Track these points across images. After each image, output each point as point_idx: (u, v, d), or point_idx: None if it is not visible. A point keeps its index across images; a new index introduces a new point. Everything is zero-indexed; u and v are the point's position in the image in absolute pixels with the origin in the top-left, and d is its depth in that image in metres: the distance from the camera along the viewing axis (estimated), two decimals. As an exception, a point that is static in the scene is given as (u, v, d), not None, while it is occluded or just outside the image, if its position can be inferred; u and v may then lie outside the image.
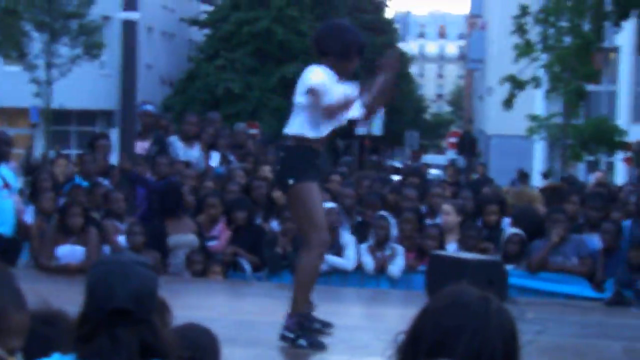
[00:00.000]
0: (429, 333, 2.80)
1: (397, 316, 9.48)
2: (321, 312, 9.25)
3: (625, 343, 8.62)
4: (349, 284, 11.34)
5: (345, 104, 7.48)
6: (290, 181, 7.50)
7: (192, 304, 8.50)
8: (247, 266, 11.48)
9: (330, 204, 11.21)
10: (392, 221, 11.67)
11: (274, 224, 12.02)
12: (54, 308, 3.63)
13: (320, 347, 7.49)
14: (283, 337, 7.49)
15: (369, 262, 11.39)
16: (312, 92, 7.44)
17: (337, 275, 11.37)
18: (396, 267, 11.37)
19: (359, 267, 11.40)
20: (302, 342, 7.42)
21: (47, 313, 3.55)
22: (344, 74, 7.66)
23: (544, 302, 10.50)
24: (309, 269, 7.53)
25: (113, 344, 3.08)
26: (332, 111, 7.45)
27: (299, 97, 7.56)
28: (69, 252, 10.96)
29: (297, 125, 7.55)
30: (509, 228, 11.86)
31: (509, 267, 10.49)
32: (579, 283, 11.19)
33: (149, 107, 14.23)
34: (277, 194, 11.92)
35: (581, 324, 9.44)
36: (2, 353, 2.37)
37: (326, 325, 7.96)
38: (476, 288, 2.92)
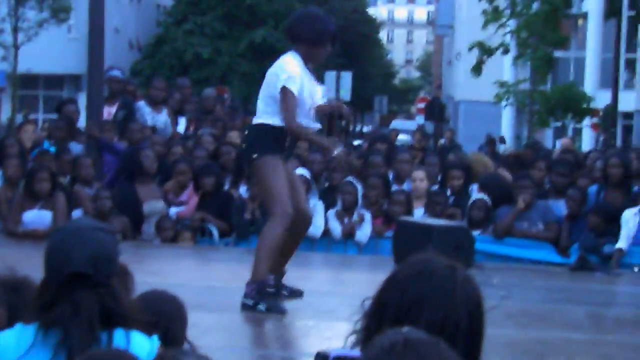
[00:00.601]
0: (394, 301, 2.82)
1: (364, 281, 9.54)
2: (289, 277, 9.30)
3: (589, 308, 8.73)
4: (316, 249, 11.38)
5: (307, 137, 7.86)
6: (254, 155, 7.66)
7: (160, 270, 8.52)
8: (215, 232, 11.50)
9: (299, 171, 11.23)
10: (359, 187, 11.70)
11: (242, 190, 12.03)
12: (20, 275, 3.64)
13: (279, 311, 7.59)
14: (243, 305, 7.59)
15: (336, 228, 11.43)
16: (286, 93, 7.55)
17: (305, 240, 11.34)
18: (363, 232, 11.42)
19: (327, 233, 11.43)
20: (261, 307, 7.52)
21: (13, 280, 3.56)
22: (315, 61, 7.88)
23: (510, 267, 10.60)
24: (270, 240, 7.62)
25: (73, 309, 3.08)
26: (295, 132, 7.67)
27: (272, 89, 7.63)
28: (36, 217, 10.92)
29: (267, 116, 7.68)
30: (475, 194, 11.92)
31: (474, 233, 10.56)
32: (544, 248, 11.28)
33: (116, 73, 14.16)
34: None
35: (546, 289, 9.54)
36: None
37: (296, 292, 8.02)
38: (443, 257, 2.95)
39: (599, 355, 7.02)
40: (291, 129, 7.63)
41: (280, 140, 7.66)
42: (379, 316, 2.85)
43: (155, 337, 3.19)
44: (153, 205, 11.32)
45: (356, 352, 2.55)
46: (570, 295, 9.20)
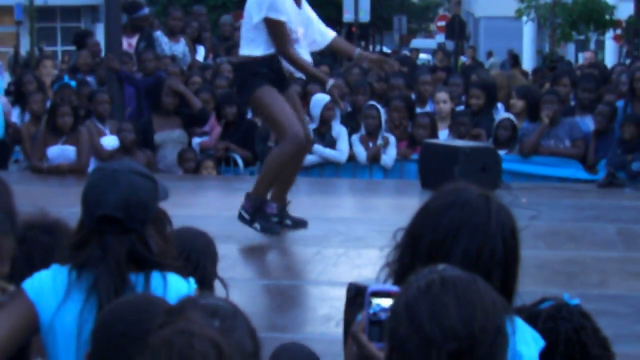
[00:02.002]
0: (428, 232, 2.78)
1: (391, 206, 9.51)
2: (315, 204, 9.29)
3: (620, 225, 8.66)
4: (342, 175, 11.33)
5: (302, 66, 7.61)
6: (247, 96, 7.65)
7: (185, 202, 8.49)
8: (239, 161, 11.46)
9: (325, 97, 11.16)
10: (382, 110, 11.61)
11: (265, 117, 11.94)
12: (52, 216, 3.60)
13: (273, 232, 7.65)
14: (240, 216, 7.64)
15: (361, 153, 11.36)
16: (272, 22, 7.44)
17: (330, 167, 11.36)
18: (388, 156, 11.35)
19: (352, 158, 11.38)
20: (257, 225, 7.60)
21: (47, 222, 3.52)
22: None
23: (537, 186, 10.51)
24: (277, 160, 7.63)
25: (101, 252, 3.06)
26: (289, 58, 7.55)
27: (255, 18, 7.51)
28: (60, 152, 10.90)
29: (252, 46, 7.58)
30: (500, 113, 11.81)
31: (501, 153, 10.48)
32: (571, 166, 11.18)
33: (145, 11, 13.94)
34: None
35: (575, 207, 9.47)
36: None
37: (300, 222, 7.99)
38: (476, 185, 2.90)
39: (632, 273, 6.97)
40: (285, 55, 7.52)
41: (270, 70, 7.57)
42: (413, 248, 2.81)
43: (192, 280, 3.15)
44: (165, 134, 11.25)
45: (393, 287, 2.50)
46: (599, 213, 9.12)
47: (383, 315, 2.47)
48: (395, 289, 2.44)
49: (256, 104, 7.76)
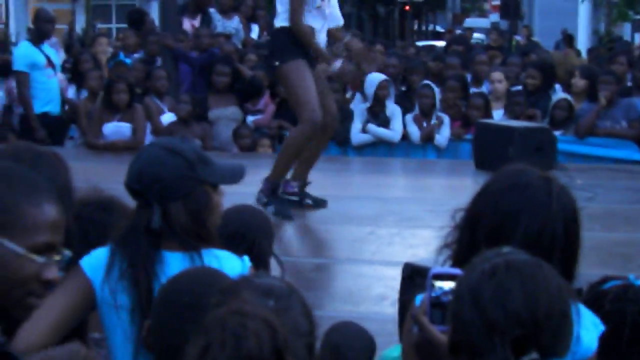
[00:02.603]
0: (488, 215, 2.75)
1: (444, 187, 9.47)
2: (369, 184, 9.28)
3: (677, 207, 8.57)
4: (395, 154, 11.30)
5: (308, 41, 7.52)
6: (276, 63, 7.60)
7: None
8: (293, 139, 11.45)
9: (380, 76, 11.13)
10: (437, 90, 11.55)
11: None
12: (107, 194, 3.62)
13: (287, 217, 7.60)
14: (258, 199, 7.61)
15: (415, 132, 11.32)
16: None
17: (384, 146, 11.33)
18: (442, 136, 11.29)
19: (405, 138, 11.34)
20: (270, 208, 7.53)
21: (102, 199, 3.54)
22: None
23: (593, 167, 10.40)
24: (294, 144, 7.64)
25: (131, 224, 3.13)
26: (296, 31, 7.50)
27: None
28: (116, 129, 10.97)
29: (285, 16, 7.55)
30: (558, 93, 11.71)
31: (556, 133, 10.38)
32: (627, 147, 11.06)
33: None
34: None
35: (631, 189, 9.36)
36: (19, 250, 2.33)
37: (320, 202, 7.98)
38: (537, 168, 2.86)
39: (689, 255, 6.89)
40: (295, 24, 7.49)
41: (300, 43, 7.53)
42: (472, 229, 2.79)
43: (246, 259, 3.15)
44: (219, 111, 11.28)
45: (456, 269, 2.48)
46: (656, 195, 9.03)
47: (445, 298, 2.45)
48: (457, 271, 2.42)
49: (284, 75, 7.65)
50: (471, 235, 2.79)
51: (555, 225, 2.73)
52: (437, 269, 2.52)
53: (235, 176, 3.26)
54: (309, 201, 7.94)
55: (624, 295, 2.92)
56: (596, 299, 2.86)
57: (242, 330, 1.95)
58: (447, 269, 2.54)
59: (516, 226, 2.70)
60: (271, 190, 7.63)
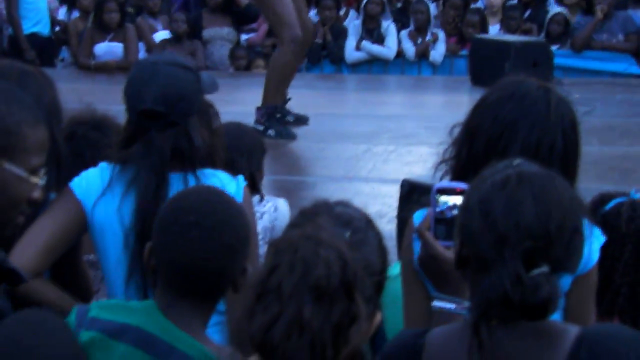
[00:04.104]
0: (486, 126, 2.68)
1: (440, 103, 9.42)
2: (364, 101, 9.22)
3: (675, 120, 8.52)
4: (390, 71, 11.21)
5: None
6: None
7: (236, 99, 8.43)
8: (286, 57, 11.36)
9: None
10: (432, 5, 11.43)
11: (312, 14, 11.80)
12: (101, 113, 3.55)
13: (289, 136, 7.56)
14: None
15: (409, 49, 11.21)
16: None
17: (379, 63, 11.24)
18: (437, 52, 11.20)
19: (400, 55, 11.24)
20: (271, 132, 7.47)
21: (95, 118, 3.46)
22: None
23: (590, 81, 10.33)
24: (279, 65, 7.57)
25: (145, 147, 2.98)
26: None
27: None
28: (107, 49, 10.89)
29: None
30: (553, 7, 11.59)
31: (553, 48, 10.29)
32: (624, 60, 10.99)
33: None
34: None
35: (628, 103, 9.31)
36: (21, 172, 2.29)
37: (301, 118, 7.92)
38: (535, 78, 2.80)
39: (689, 169, 6.86)
40: None
41: None
42: (470, 142, 2.72)
43: (241, 177, 3.08)
44: (214, 31, 11.18)
45: (460, 183, 2.42)
46: (654, 108, 8.98)
47: (449, 213, 2.40)
48: (463, 185, 2.36)
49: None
50: (469, 149, 2.73)
51: (553, 136, 2.67)
52: (442, 184, 2.46)
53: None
54: (290, 118, 7.87)
55: (634, 213, 2.88)
56: (605, 221, 2.82)
57: (314, 257, 1.90)
58: (452, 183, 2.47)
59: (514, 137, 2.65)
60: (267, 115, 7.56)
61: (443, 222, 2.42)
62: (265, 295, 1.88)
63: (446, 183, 2.48)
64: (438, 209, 2.43)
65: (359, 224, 2.21)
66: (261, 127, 7.50)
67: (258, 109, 7.61)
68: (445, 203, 2.42)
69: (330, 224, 2.10)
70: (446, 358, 2.08)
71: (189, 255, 2.34)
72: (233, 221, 2.39)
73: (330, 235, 1.96)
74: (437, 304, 2.32)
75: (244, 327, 1.90)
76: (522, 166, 2.12)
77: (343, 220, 2.20)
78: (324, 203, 2.28)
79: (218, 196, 2.47)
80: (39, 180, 2.37)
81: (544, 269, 1.98)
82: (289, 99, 7.83)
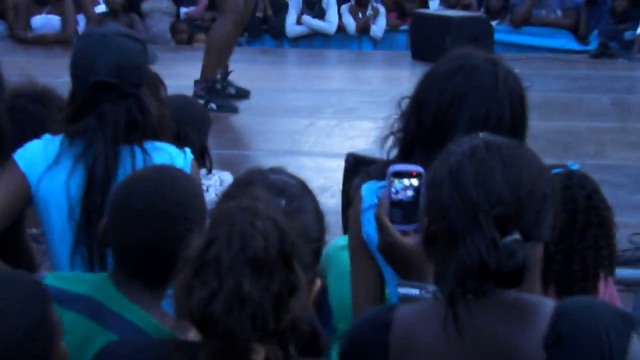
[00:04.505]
0: (434, 97, 2.68)
1: (381, 78, 9.42)
2: (305, 76, 9.20)
3: (613, 95, 8.61)
4: (330, 46, 11.20)
5: None
6: None
7: (179, 73, 8.36)
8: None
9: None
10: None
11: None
12: (42, 85, 3.49)
13: (231, 109, 7.52)
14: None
15: (350, 23, 11.20)
16: None
17: (319, 37, 11.22)
18: (378, 27, 11.20)
19: (341, 29, 11.23)
20: (212, 105, 7.40)
21: (37, 91, 3.41)
22: None
23: (529, 57, 10.40)
24: (219, 36, 7.54)
25: (98, 120, 2.94)
26: None
27: None
28: (45, 22, 10.75)
29: None
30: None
31: (492, 23, 10.34)
32: (563, 36, 11.08)
33: None
34: None
35: (567, 78, 9.39)
36: None
37: (243, 91, 7.89)
38: (483, 50, 2.80)
39: (628, 143, 6.94)
40: None
41: None
42: (418, 114, 2.72)
43: (188, 150, 3.06)
44: (152, 4, 11.09)
45: (414, 166, 2.40)
46: (592, 84, 9.05)
47: (405, 196, 2.38)
48: (418, 168, 2.35)
49: None
50: (417, 121, 2.72)
51: (501, 108, 2.68)
52: (397, 167, 2.42)
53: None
54: (231, 90, 7.81)
55: (570, 182, 2.91)
56: None
57: (251, 229, 1.86)
58: (407, 166, 2.43)
59: (462, 108, 2.65)
60: (207, 88, 7.50)
61: (399, 206, 2.39)
62: (202, 270, 1.85)
63: (401, 166, 2.44)
64: (394, 192, 2.41)
65: (294, 191, 2.18)
66: (202, 101, 7.46)
67: (197, 82, 7.55)
68: (401, 183, 2.40)
69: (265, 192, 2.05)
70: (417, 333, 2.07)
71: (138, 242, 2.34)
72: (184, 206, 2.37)
73: (266, 205, 1.93)
74: (401, 290, 2.30)
75: (182, 302, 1.87)
76: (488, 136, 2.12)
77: (278, 188, 2.16)
78: (258, 171, 2.24)
79: (170, 180, 2.45)
80: None
81: (516, 235, 1.98)
82: (231, 72, 7.78)
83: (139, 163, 2.93)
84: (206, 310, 1.83)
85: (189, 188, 2.44)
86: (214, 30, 7.69)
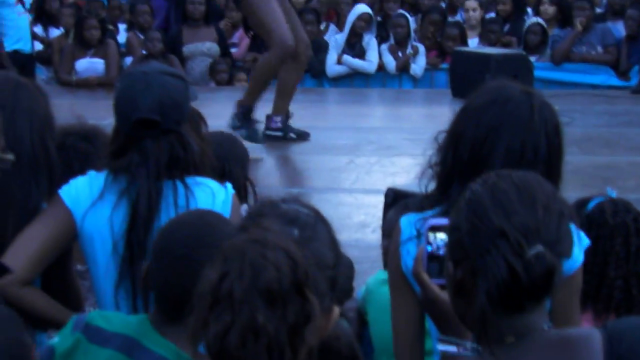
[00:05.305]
0: (470, 130, 2.72)
1: (421, 115, 9.46)
2: (346, 114, 9.26)
3: (653, 130, 8.58)
4: (371, 85, 11.25)
5: None
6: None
7: (218, 113, 8.45)
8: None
9: (363, 8, 11.07)
10: (411, 19, 11.49)
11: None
12: (90, 124, 3.57)
13: (256, 140, 7.57)
14: (231, 124, 7.58)
15: (390, 62, 11.26)
16: None
17: (360, 77, 11.28)
18: (418, 65, 11.25)
19: (381, 68, 11.29)
20: (243, 132, 7.47)
21: (85, 129, 3.49)
22: None
23: (570, 93, 10.39)
24: (264, 68, 7.67)
25: (140, 156, 3.00)
26: None
27: None
28: (89, 65, 10.90)
29: None
30: (531, 18, 11.67)
31: (532, 59, 10.35)
32: (603, 72, 11.06)
33: None
34: None
35: (608, 113, 9.38)
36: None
37: (303, 134, 7.98)
38: (518, 83, 2.83)
39: (668, 177, 6.92)
40: None
41: None
42: (455, 147, 2.75)
43: (229, 185, 3.10)
44: (194, 46, 11.20)
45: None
46: (633, 119, 9.04)
47: (443, 251, 2.36)
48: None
49: (249, 7, 7.61)
50: (454, 154, 2.75)
51: (537, 139, 2.71)
52: (434, 221, 2.42)
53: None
54: (292, 135, 7.89)
55: (616, 207, 2.94)
56: (590, 221, 2.88)
57: (262, 260, 1.86)
58: (443, 220, 2.42)
59: (498, 141, 2.67)
60: (243, 114, 7.60)
61: (436, 260, 2.41)
62: (217, 304, 1.86)
63: (439, 219, 2.44)
64: (431, 247, 2.42)
65: (307, 219, 2.14)
66: (237, 123, 7.61)
67: (238, 103, 7.71)
68: (440, 240, 2.40)
69: (276, 223, 2.05)
70: None
71: (177, 287, 2.39)
72: None
73: (277, 236, 1.93)
74: (440, 347, 2.30)
75: (200, 337, 1.88)
76: (500, 171, 2.18)
77: (290, 218, 2.12)
78: (269, 202, 2.21)
79: (210, 226, 2.49)
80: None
81: (539, 247, 2.01)
82: (292, 116, 7.87)
83: (181, 198, 2.98)
84: (222, 345, 1.84)
85: (228, 233, 2.47)
86: (261, 60, 7.87)
